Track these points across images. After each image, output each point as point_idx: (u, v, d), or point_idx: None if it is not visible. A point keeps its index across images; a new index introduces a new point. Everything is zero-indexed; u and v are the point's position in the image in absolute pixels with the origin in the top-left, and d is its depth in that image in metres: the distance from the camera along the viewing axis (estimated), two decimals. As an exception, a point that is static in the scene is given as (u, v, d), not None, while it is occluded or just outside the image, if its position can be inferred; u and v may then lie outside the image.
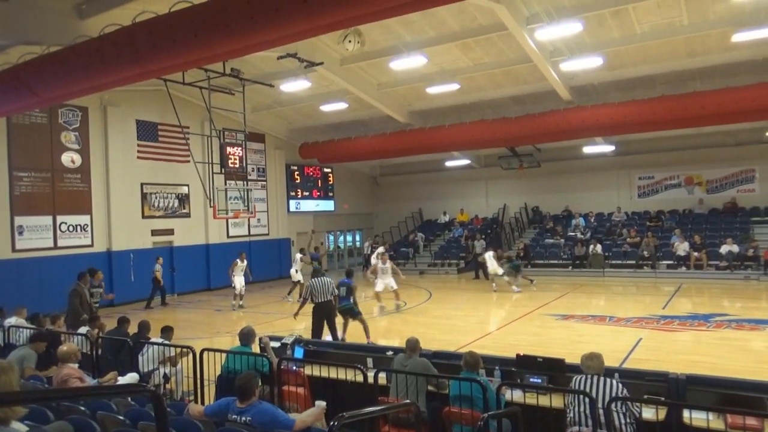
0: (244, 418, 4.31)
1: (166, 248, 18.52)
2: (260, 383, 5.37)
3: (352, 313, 10.58)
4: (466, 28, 13.99)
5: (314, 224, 24.86)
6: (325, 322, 9.95)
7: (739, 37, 12.72)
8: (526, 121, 17.55)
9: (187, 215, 19.28)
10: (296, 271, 16.71)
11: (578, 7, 12.53)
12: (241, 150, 16.78)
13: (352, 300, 10.52)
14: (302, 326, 12.01)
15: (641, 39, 13.87)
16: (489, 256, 17.15)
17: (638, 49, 14.53)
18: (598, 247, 19.73)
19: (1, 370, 3.02)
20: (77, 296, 10.16)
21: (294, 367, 6.32)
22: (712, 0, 12.24)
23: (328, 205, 25.58)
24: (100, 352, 7.60)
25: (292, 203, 23.67)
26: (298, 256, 17.40)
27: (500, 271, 16.60)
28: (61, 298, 14.74)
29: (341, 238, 27.09)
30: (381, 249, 17.61)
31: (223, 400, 4.65)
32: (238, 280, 15.59)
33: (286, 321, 13.35)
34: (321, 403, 4.69)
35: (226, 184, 16.97)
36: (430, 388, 5.65)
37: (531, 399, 5.16)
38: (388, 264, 13.90)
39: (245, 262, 16.08)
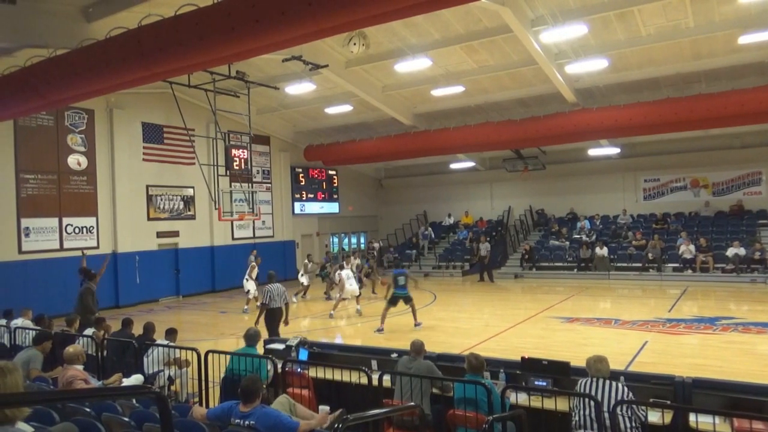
0: (247, 422, 4.30)
1: (170, 250, 18.58)
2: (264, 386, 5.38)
3: (407, 299, 12.03)
4: (471, 30, 13.98)
5: (319, 226, 24.92)
6: (268, 327, 9.84)
7: (746, 39, 12.68)
8: (531, 123, 17.53)
9: (192, 217, 19.34)
10: (301, 275, 17.14)
11: (583, 10, 12.51)
12: (246, 152, 16.86)
13: (408, 288, 12.10)
14: (305, 328, 12.05)
15: (646, 41, 13.83)
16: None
17: (643, 52, 14.49)
18: (604, 250, 19.66)
19: (6, 371, 3.03)
20: (90, 294, 10.26)
21: (299, 369, 6.32)
22: (718, 2, 12.19)
23: (332, 208, 25.61)
24: (105, 353, 7.63)
25: (297, 205, 23.70)
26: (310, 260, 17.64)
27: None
28: (67, 299, 14.85)
29: (345, 241, 27.11)
30: (357, 261, 17.39)
31: (226, 404, 4.64)
32: (252, 285, 15.52)
33: (290, 323, 13.37)
34: (325, 408, 4.71)
35: (231, 186, 17.05)
36: (434, 390, 5.65)
37: (536, 402, 5.15)
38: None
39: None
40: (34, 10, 10.89)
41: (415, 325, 11.99)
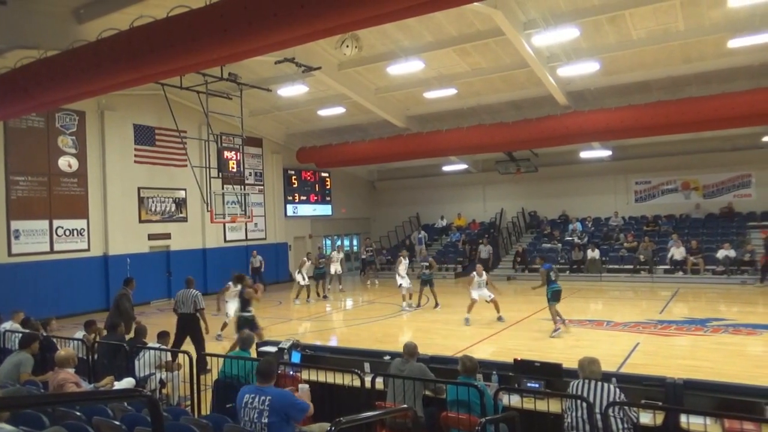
0: (263, 398, 4.33)
1: (162, 252, 18.48)
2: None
3: (559, 296, 11.45)
4: (464, 33, 14.03)
5: (311, 229, 24.87)
6: (190, 337, 9.47)
7: (735, 43, 12.78)
8: (523, 125, 17.59)
9: (184, 219, 19.25)
10: (298, 273, 17.17)
11: (575, 13, 12.58)
12: (239, 154, 16.84)
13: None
14: (300, 330, 12.01)
15: (637, 45, 13.92)
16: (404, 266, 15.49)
17: (634, 55, 14.59)
18: (596, 252, 19.75)
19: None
20: (128, 300, 9.93)
21: (291, 372, 6.31)
22: (708, 6, 12.30)
23: (325, 210, 25.57)
24: (95, 356, 7.57)
25: (290, 208, 23.65)
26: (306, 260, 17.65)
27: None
28: (58, 302, 14.79)
29: (338, 243, 27.06)
30: (405, 261, 16.03)
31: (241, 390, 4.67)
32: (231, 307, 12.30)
33: (283, 326, 13.35)
34: (304, 387, 4.96)
35: (223, 188, 16.97)
36: (427, 392, 5.65)
37: (528, 404, 5.16)
38: (484, 276, 13.08)
39: (310, 261, 16.87)
40: (25, 10, 10.82)
41: (562, 325, 11.38)
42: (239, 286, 11.85)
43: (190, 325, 9.46)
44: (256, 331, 9.81)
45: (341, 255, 19.45)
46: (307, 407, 4.41)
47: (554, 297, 11.33)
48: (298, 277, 17.02)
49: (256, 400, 4.33)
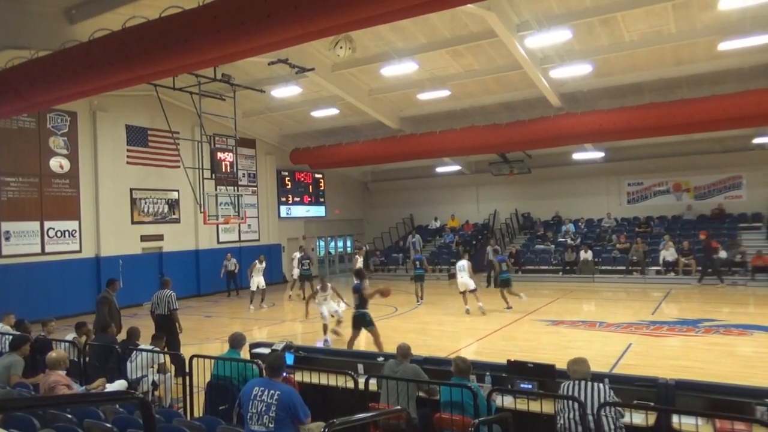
0: (272, 392, 4.33)
1: (155, 254, 18.39)
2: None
3: (510, 284, 14.11)
4: (457, 35, 14.06)
5: (305, 230, 24.83)
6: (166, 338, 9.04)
7: (726, 45, 12.88)
8: (516, 127, 17.65)
9: (177, 221, 19.17)
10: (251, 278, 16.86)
11: (568, 15, 12.64)
12: (232, 155, 16.79)
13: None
14: (294, 332, 11.99)
15: (630, 47, 14.01)
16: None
17: (627, 57, 14.68)
18: (588, 253, 19.82)
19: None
20: (106, 304, 9.52)
21: (284, 374, 6.28)
22: (699, 9, 12.39)
23: (318, 211, 25.55)
24: (87, 359, 7.52)
25: (283, 209, 23.61)
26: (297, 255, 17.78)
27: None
28: (50, 303, 14.68)
29: (332, 244, 27.04)
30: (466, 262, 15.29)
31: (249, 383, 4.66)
32: (256, 280, 16.11)
33: (276, 326, 13.32)
34: None
35: (216, 189, 16.91)
36: (420, 394, 5.65)
37: (521, 405, 5.16)
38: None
39: (264, 263, 16.75)
40: (16, 10, 10.76)
41: (507, 308, 13.87)
42: (329, 290, 11.69)
43: (165, 326, 9.36)
44: (371, 329, 9.56)
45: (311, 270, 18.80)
46: (309, 414, 4.43)
47: (503, 284, 14.11)
48: (252, 283, 16.32)
49: (266, 393, 4.34)
